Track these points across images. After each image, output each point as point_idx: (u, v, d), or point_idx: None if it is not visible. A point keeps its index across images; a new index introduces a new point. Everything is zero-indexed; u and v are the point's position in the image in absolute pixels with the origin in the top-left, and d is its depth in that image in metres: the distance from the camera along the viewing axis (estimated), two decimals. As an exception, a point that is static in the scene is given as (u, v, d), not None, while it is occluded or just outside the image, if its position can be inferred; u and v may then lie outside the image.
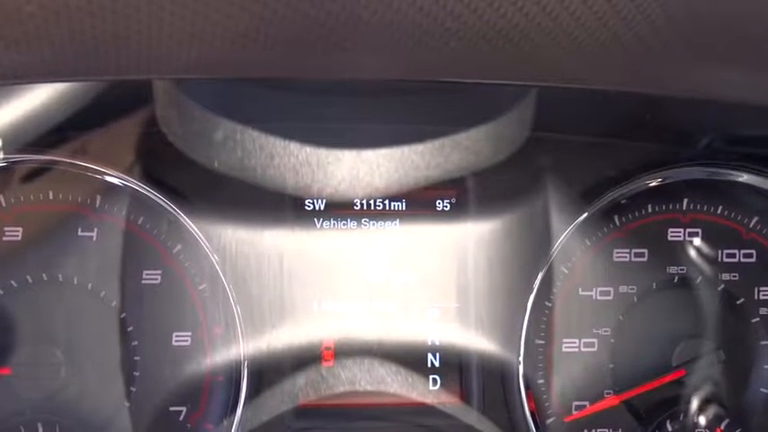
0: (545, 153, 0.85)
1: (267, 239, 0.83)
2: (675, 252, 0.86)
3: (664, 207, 0.87)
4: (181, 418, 0.82)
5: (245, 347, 0.82)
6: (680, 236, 0.87)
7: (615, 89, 0.65)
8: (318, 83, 0.79)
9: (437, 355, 0.85)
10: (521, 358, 0.84)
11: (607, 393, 0.85)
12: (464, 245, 0.85)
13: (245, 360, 0.82)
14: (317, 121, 0.84)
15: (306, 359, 0.84)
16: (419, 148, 0.83)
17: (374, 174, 0.84)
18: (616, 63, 0.61)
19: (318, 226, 0.85)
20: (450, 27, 0.55)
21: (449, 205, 0.85)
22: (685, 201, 0.87)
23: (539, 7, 0.51)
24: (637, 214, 0.87)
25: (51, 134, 0.79)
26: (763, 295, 0.86)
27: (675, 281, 0.86)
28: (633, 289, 0.85)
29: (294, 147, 0.82)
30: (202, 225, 0.82)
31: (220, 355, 0.82)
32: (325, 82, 0.78)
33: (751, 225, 0.87)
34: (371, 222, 0.85)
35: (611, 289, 0.85)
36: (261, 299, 0.83)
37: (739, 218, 0.87)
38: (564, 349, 0.84)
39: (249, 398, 0.82)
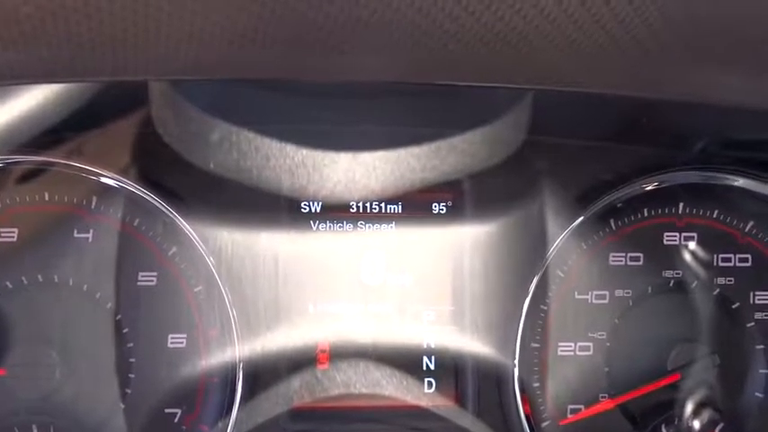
0: (541, 156, 0.85)
1: (263, 241, 0.83)
2: (671, 256, 0.87)
3: (659, 211, 0.87)
4: (176, 420, 0.82)
5: (240, 349, 0.82)
6: (676, 240, 0.87)
7: (612, 92, 0.65)
8: (315, 85, 0.79)
9: (432, 358, 0.85)
10: (516, 361, 0.84)
11: (602, 397, 0.85)
12: (460, 248, 0.85)
13: (240, 362, 0.82)
14: (313, 123, 0.84)
15: (301, 361, 0.84)
16: (415, 150, 0.83)
17: (370, 176, 0.84)
18: (613, 66, 0.61)
19: (314, 228, 0.84)
20: (448, 29, 0.55)
21: (445, 208, 0.85)
22: (681, 205, 0.87)
23: (536, 10, 0.51)
24: (632, 218, 0.87)
25: (47, 135, 0.79)
26: (759, 300, 0.86)
27: (671, 285, 0.86)
28: (629, 293, 0.86)
29: (290, 149, 0.82)
30: (198, 227, 0.82)
31: (216, 358, 0.82)
32: (323, 84, 0.78)
33: (746, 229, 0.87)
34: (367, 225, 0.85)
35: (607, 293, 0.85)
36: (256, 301, 0.83)
37: (735, 222, 0.87)
38: (559, 352, 0.84)
39: (244, 400, 0.82)
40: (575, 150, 0.87)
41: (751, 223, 0.87)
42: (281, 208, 0.84)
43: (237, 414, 0.82)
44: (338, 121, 0.84)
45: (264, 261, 0.83)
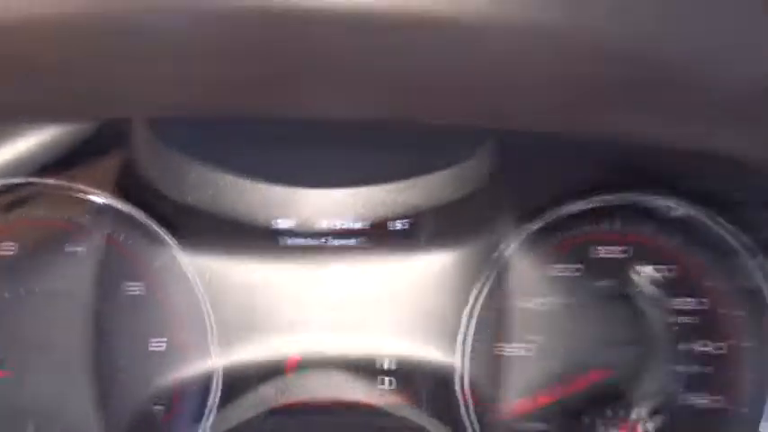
0: (500, 183, 0.94)
1: (238, 257, 0.91)
2: (608, 267, 0.95)
3: (599, 226, 0.95)
4: (157, 419, 0.89)
5: (216, 356, 0.90)
6: (612, 253, 0.95)
7: (556, 131, 0.74)
8: (287, 129, 0.84)
9: (389, 361, 0.92)
10: (464, 362, 0.91)
11: (542, 392, 0.93)
12: (415, 264, 0.93)
13: (216, 368, 0.90)
14: (284, 164, 0.90)
15: (272, 369, 0.91)
16: (383, 188, 0.90)
17: (338, 210, 0.91)
18: (558, 108, 0.70)
19: (285, 246, 0.92)
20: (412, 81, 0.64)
21: (407, 225, 0.92)
22: (619, 222, 0.95)
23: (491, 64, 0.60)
24: (575, 232, 0.95)
25: (45, 167, 0.88)
26: (682, 305, 0.94)
27: (607, 293, 0.94)
28: (568, 299, 0.93)
29: (262, 186, 0.89)
30: (180, 242, 0.90)
31: (194, 364, 0.90)
32: (294, 128, 0.84)
33: (675, 244, 0.95)
34: (334, 243, 0.92)
35: (549, 299, 0.93)
36: (232, 312, 0.91)
37: (664, 238, 0.95)
38: (504, 353, 0.92)
39: (220, 404, 0.90)
40: (529, 171, 0.94)
41: (679, 239, 0.95)
42: (256, 231, 0.90)
43: (214, 416, 0.89)
44: (309, 161, 0.91)
45: (239, 275, 0.91)
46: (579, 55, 0.60)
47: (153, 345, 0.89)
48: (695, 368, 0.93)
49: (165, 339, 0.90)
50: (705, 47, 0.61)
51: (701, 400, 0.92)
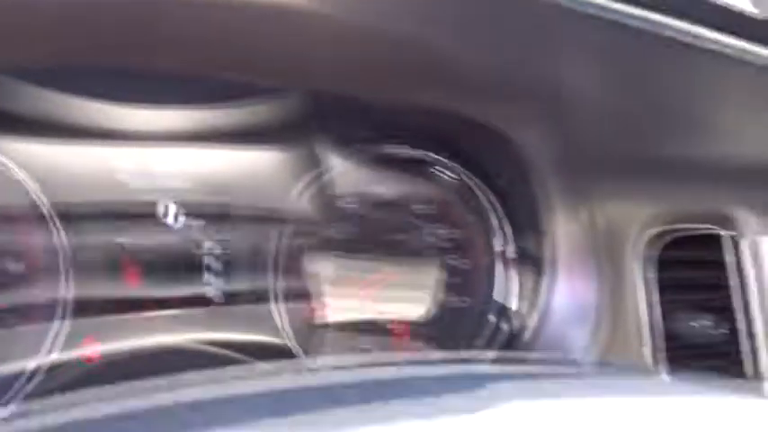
0: (309, 122, 1.10)
1: (73, 159, 1.01)
2: (391, 205, 1.20)
3: (384, 173, 1.19)
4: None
5: (67, 277, 1.00)
6: (394, 195, 1.20)
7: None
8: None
9: (213, 268, 1.08)
10: (276, 277, 1.11)
11: (345, 295, 1.15)
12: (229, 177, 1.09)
13: (68, 283, 1.01)
14: (118, 86, 1.00)
15: (112, 286, 1.03)
16: (208, 107, 1.03)
17: (167, 127, 1.04)
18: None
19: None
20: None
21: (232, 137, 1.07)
22: (398, 169, 1.20)
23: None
24: (364, 176, 1.17)
25: None
26: (442, 231, 1.22)
27: (390, 223, 1.19)
28: (362, 226, 1.16)
29: (96, 103, 1.00)
30: (15, 155, 0.98)
31: (47, 275, 1.00)
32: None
33: (439, 189, 1.22)
34: (164, 149, 1.06)
35: (346, 226, 1.16)
36: (78, 227, 0.99)
37: (432, 184, 1.22)
38: (309, 268, 1.14)
39: (71, 313, 1.00)
40: (332, 119, 1.12)
41: (442, 185, 1.22)
42: (90, 138, 1.01)
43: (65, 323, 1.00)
44: (144, 83, 1.01)
45: (76, 176, 1.00)
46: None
47: (10, 266, 0.98)
48: (449, 277, 1.22)
49: (22, 263, 0.99)
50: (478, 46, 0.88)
51: (452, 299, 1.22)
